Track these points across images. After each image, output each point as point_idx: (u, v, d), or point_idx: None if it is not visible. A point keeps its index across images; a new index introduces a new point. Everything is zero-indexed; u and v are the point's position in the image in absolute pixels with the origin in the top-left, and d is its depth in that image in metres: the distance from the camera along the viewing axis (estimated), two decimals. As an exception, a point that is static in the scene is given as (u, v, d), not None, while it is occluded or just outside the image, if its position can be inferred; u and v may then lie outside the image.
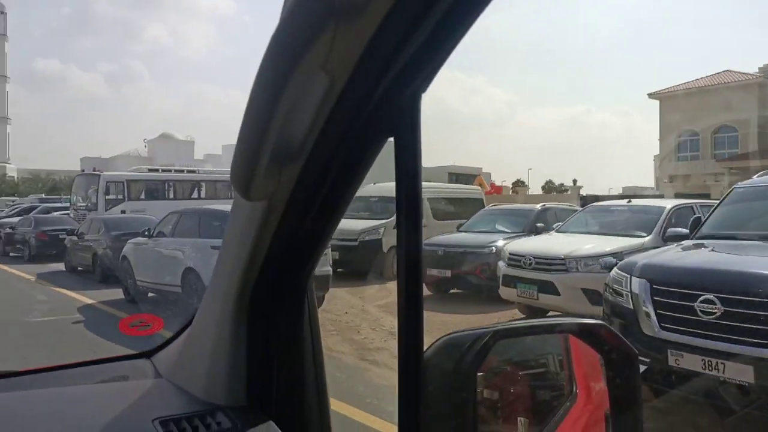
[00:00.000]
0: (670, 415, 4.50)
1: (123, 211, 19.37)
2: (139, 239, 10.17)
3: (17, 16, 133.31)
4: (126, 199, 20.95)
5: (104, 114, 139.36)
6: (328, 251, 8.95)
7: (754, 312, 3.86)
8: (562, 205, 12.50)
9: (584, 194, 29.06)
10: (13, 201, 36.55)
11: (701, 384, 4.18)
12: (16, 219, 20.65)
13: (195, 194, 24.41)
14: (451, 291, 10.36)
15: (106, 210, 19.72)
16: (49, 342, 7.18)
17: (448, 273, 9.80)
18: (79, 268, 13.91)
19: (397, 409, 0.76)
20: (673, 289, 4.38)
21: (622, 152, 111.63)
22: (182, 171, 26.04)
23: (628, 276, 4.72)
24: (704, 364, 4.02)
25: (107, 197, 20.40)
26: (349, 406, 4.78)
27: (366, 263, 11.94)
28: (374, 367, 6.41)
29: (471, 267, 9.69)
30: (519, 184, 50.19)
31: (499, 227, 10.97)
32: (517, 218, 11.19)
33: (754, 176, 6.54)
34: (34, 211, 21.84)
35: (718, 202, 6.32)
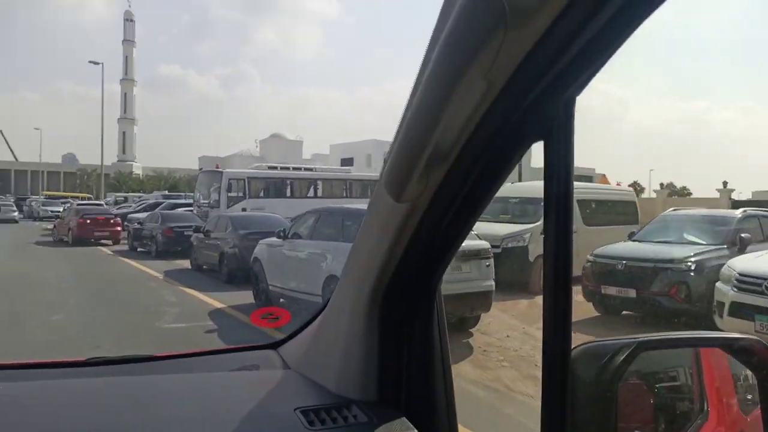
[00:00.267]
0: None
1: (244, 209, 19.16)
2: (273, 240, 9.26)
3: (144, 24, 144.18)
4: (247, 196, 20.74)
5: (219, 115, 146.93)
6: (491, 262, 7.52)
7: None
8: (761, 211, 10.21)
9: (736, 198, 25.37)
10: (139, 197, 38.52)
11: None
12: (143, 214, 21.14)
13: (311, 192, 24.00)
14: (624, 312, 8.59)
15: (228, 207, 19.58)
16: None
17: (632, 293, 8.02)
18: (204, 267, 13.50)
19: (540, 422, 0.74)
20: None
21: (745, 152, 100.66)
22: (300, 169, 25.72)
23: None
24: None
25: (229, 194, 20.23)
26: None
27: (509, 273, 10.31)
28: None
29: (663, 286, 7.84)
30: (635, 187, 46.11)
31: (690, 237, 8.99)
32: (711, 226, 9.15)
33: None
34: (159, 207, 22.27)
35: None
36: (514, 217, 11.43)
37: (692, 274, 7.70)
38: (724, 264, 6.97)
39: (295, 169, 25.33)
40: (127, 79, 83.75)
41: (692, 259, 7.90)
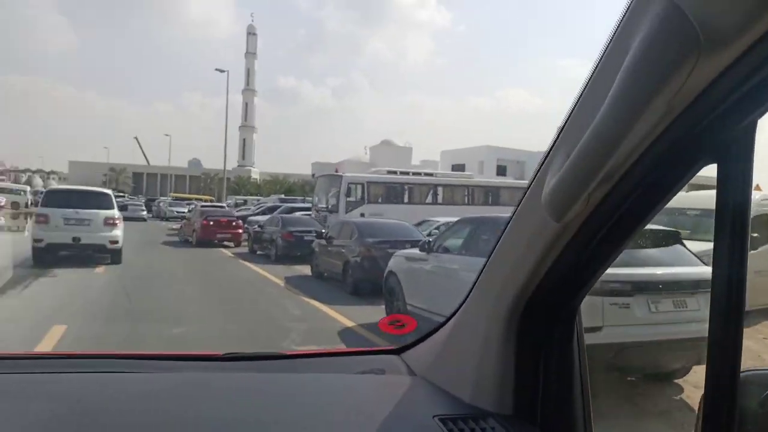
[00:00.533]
0: None
1: (362, 214, 18.35)
2: (413, 253, 8.03)
3: (264, 38, 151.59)
4: (365, 201, 19.94)
5: (331, 123, 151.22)
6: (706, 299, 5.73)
7: None
8: None
9: None
10: (257, 200, 39.45)
11: None
12: (262, 217, 20.98)
13: (430, 199, 22.79)
14: None
15: (346, 212, 18.86)
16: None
17: None
18: (325, 275, 12.63)
19: None
20: None
21: None
22: (419, 174, 24.58)
23: None
24: None
25: (348, 199, 19.54)
26: None
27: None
28: None
29: None
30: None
31: None
32: None
33: None
34: (277, 211, 22.07)
35: None
36: (695, 232, 9.44)
37: None
38: None
39: (414, 174, 24.24)
40: (248, 90, 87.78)
41: None
